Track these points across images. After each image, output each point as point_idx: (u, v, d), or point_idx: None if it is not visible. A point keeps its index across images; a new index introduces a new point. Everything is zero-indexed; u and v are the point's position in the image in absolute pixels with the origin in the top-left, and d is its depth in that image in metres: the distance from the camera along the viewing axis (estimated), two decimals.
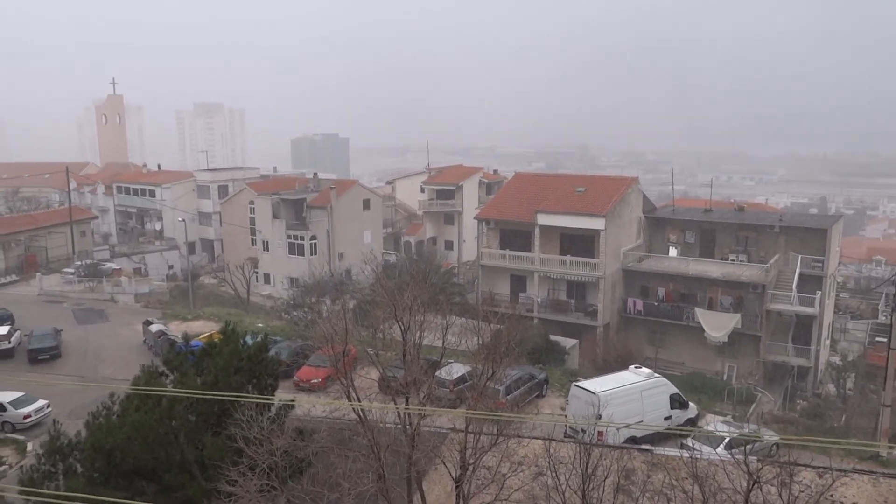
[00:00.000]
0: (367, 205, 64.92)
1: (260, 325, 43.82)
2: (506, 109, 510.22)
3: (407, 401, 21.61)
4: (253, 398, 19.18)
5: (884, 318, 54.46)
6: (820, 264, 45.67)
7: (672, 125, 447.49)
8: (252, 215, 64.49)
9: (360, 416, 20.07)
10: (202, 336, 35.61)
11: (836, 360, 48.85)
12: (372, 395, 22.82)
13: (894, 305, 31.97)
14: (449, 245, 76.99)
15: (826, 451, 24.92)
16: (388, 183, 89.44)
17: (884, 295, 59.17)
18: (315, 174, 74.16)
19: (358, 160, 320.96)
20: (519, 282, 50.33)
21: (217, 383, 20.44)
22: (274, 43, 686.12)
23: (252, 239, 64.58)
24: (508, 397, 29.12)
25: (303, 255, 59.85)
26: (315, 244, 60.18)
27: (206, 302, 55.38)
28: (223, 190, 73.04)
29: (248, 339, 23.72)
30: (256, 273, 62.29)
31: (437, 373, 27.93)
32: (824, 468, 20.93)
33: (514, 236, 50.58)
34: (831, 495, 17.63)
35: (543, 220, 48.49)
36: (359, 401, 20.61)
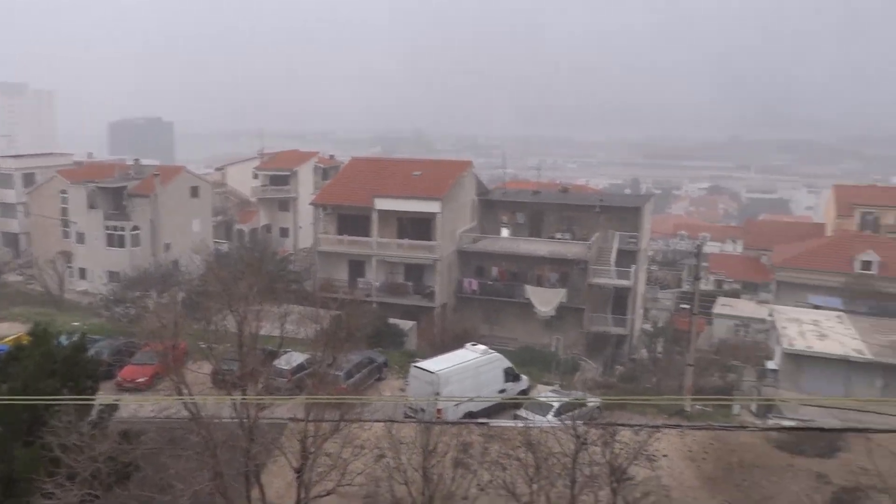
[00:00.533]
0: (195, 192, 61.68)
1: (76, 323, 40.44)
2: (343, 95, 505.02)
3: (243, 393, 20.91)
4: (68, 401, 17.63)
5: (687, 287, 60.27)
6: (634, 240, 49.46)
7: (504, 111, 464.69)
8: (64, 206, 59.16)
9: (191, 412, 19.14)
10: (8, 339, 32.26)
11: (648, 327, 53.34)
12: (205, 390, 21.84)
13: (696, 275, 35.45)
14: (284, 232, 75.15)
15: (641, 409, 27.19)
16: (219, 169, 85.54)
17: (687, 266, 65.45)
18: (136, 160, 69.21)
19: (185, 146, 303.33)
20: (357, 267, 50.19)
21: (27, 389, 18.61)
22: (87, 20, 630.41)
23: (64, 231, 59.28)
24: (349, 382, 29.09)
25: (123, 246, 55.81)
26: (138, 235, 56.32)
27: (12, 302, 50.14)
28: (29, 178, 66.31)
29: (63, 340, 21.82)
30: (70, 268, 57.31)
31: (274, 362, 27.31)
32: (640, 426, 22.78)
33: (352, 221, 50.28)
34: (646, 450, 19.23)
35: (381, 204, 48.60)
36: (191, 396, 19.63)
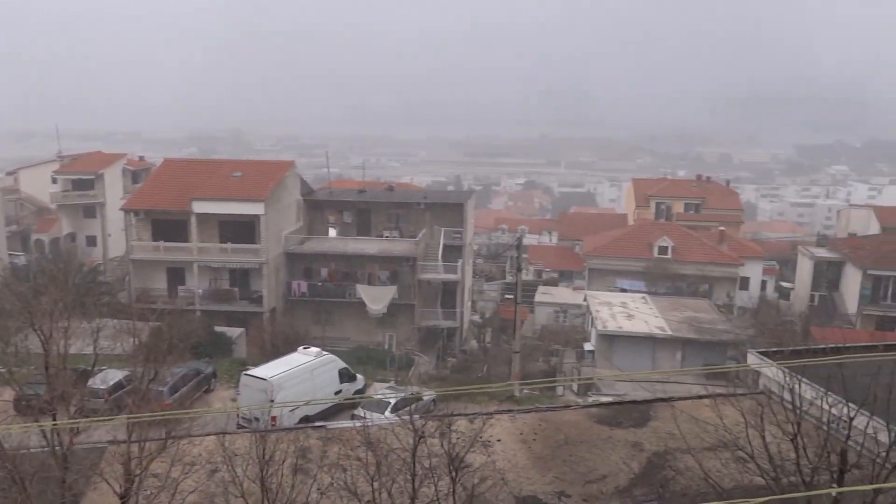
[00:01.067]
0: None
1: None
2: (151, 92, 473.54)
3: (54, 419, 19.07)
4: None
5: (510, 278, 63.17)
6: (459, 235, 51.00)
7: (326, 110, 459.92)
8: None
9: None
10: None
11: (477, 318, 55.31)
12: (7, 419, 19.66)
13: (518, 267, 37.28)
14: (91, 241, 69.25)
15: (474, 398, 28.16)
16: (10, 174, 77.12)
17: (509, 258, 68.61)
18: None
19: None
20: (177, 274, 47.41)
21: None
22: None
23: None
24: (174, 397, 27.47)
25: None
26: None
27: None
28: None
29: None
30: None
31: (88, 382, 25.17)
32: (474, 414, 23.61)
33: (169, 227, 47.39)
34: (481, 436, 19.95)
35: (200, 207, 46.21)
36: None
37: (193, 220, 46.17)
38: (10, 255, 57.42)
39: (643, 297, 48.53)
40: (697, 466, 17.74)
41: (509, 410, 25.57)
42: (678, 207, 73.46)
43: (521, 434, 23.10)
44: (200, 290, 46.36)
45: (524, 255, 61.89)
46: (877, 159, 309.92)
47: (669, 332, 40.72)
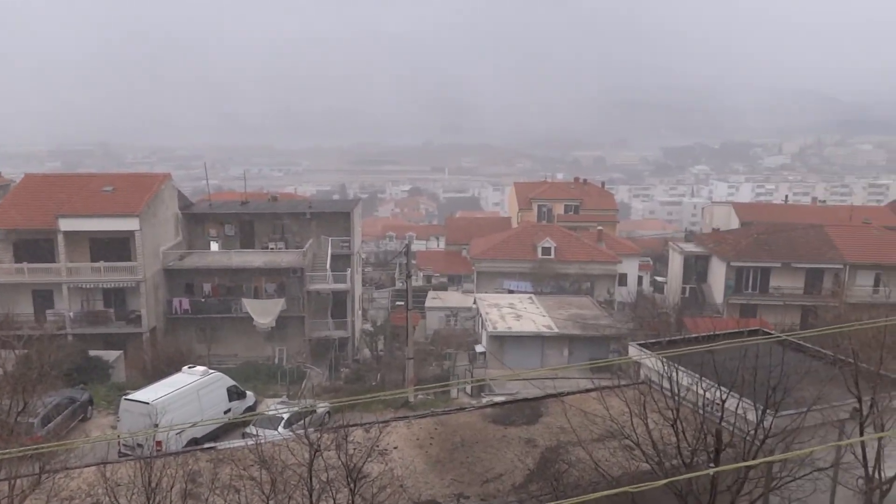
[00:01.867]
0: None
1: None
2: (12, 110, 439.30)
3: None
4: None
5: (400, 284, 63.32)
6: (347, 244, 50.60)
7: (201, 121, 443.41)
8: None
9: None
10: None
11: (368, 326, 55.00)
12: None
13: (407, 273, 37.42)
14: None
15: (369, 407, 27.95)
16: None
17: (398, 265, 68.73)
18: None
19: None
20: (44, 297, 44.30)
21: None
22: None
23: None
24: (46, 428, 25.61)
25: None
26: None
27: None
28: None
29: None
30: None
31: None
32: (370, 423, 23.41)
33: (33, 246, 44.21)
34: (378, 445, 19.82)
35: (67, 224, 43.37)
36: None
37: (60, 238, 43.30)
38: None
39: (530, 297, 49.98)
40: (588, 457, 18.42)
41: (405, 417, 25.52)
42: (558, 209, 76.22)
43: (417, 440, 23.13)
44: (72, 313, 43.51)
45: (413, 262, 62.25)
46: (732, 159, 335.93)
47: (556, 330, 42.14)
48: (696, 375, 17.94)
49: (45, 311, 43.85)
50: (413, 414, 26.65)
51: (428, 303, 56.96)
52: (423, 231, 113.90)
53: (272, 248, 50.18)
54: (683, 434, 16.83)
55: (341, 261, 49.22)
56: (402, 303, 43.22)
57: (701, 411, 17.39)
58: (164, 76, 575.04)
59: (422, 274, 69.64)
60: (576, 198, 78.01)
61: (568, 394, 24.72)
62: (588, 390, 23.07)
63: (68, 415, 28.58)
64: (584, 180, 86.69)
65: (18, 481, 16.95)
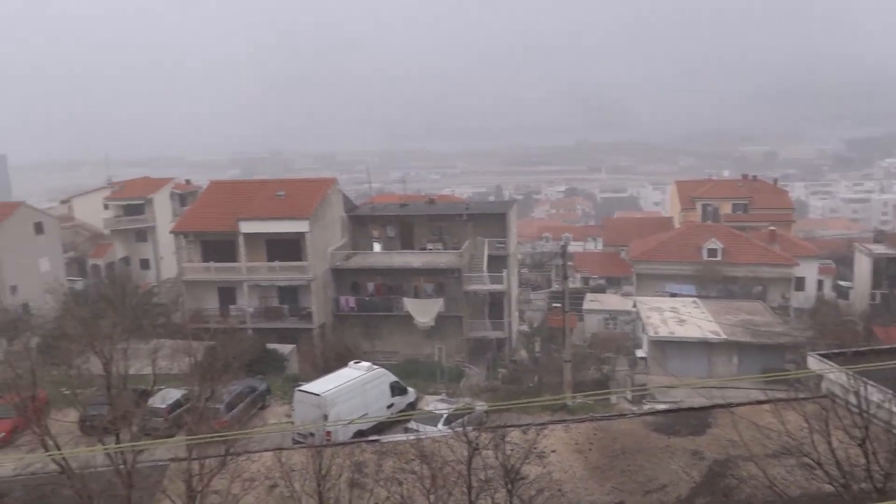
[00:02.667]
0: (39, 228, 56.98)
1: None
2: (190, 117, 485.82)
3: (118, 438, 19.58)
4: None
5: (557, 286, 62.70)
6: (503, 245, 50.83)
7: (360, 128, 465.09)
8: None
9: (61, 465, 17.68)
10: None
11: (525, 328, 54.94)
12: (73, 440, 20.25)
13: (564, 275, 36.99)
14: (145, 264, 71.08)
15: (527, 409, 27.94)
16: (64, 202, 79.73)
17: (554, 266, 68.12)
18: None
19: (21, 180, 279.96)
20: (228, 294, 48.30)
21: None
22: None
23: None
24: (231, 414, 27.93)
25: None
26: None
27: None
28: None
29: None
30: None
31: (149, 402, 25.80)
32: (527, 425, 23.42)
33: (218, 247, 48.37)
34: (536, 447, 19.78)
35: (246, 227, 47.08)
36: (58, 448, 18.13)
37: (241, 240, 47.03)
38: (69, 280, 59.21)
39: (694, 301, 47.65)
40: (761, 474, 17.27)
41: (563, 421, 25.29)
42: (725, 208, 72.08)
43: (576, 444, 22.84)
44: (251, 309, 47.12)
45: (569, 263, 61.39)
46: None
47: (724, 337, 39.85)
48: (890, 392, 16.25)
49: (228, 307, 47.77)
50: (571, 418, 26.32)
51: (585, 305, 55.98)
52: (580, 232, 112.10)
53: (430, 250, 51.46)
54: (874, 455, 15.32)
55: (498, 262, 49.52)
56: (559, 305, 42.71)
57: None
58: (326, 87, 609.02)
59: (579, 276, 68.56)
60: (744, 196, 73.36)
61: (738, 405, 23.32)
62: (761, 402, 21.64)
63: (249, 402, 30.98)
64: (754, 177, 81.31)
65: (207, 461, 18.65)
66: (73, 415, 22.05)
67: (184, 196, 73.78)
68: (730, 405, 23.13)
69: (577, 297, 56.15)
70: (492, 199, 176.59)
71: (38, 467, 19.62)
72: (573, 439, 23.24)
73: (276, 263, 47.04)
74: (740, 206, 72.29)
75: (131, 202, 70.59)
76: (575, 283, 64.80)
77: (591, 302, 56.98)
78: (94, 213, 72.98)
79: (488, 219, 52.15)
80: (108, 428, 19.64)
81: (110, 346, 20.09)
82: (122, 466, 18.43)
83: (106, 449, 18.52)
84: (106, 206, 72.08)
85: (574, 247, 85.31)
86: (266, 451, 23.20)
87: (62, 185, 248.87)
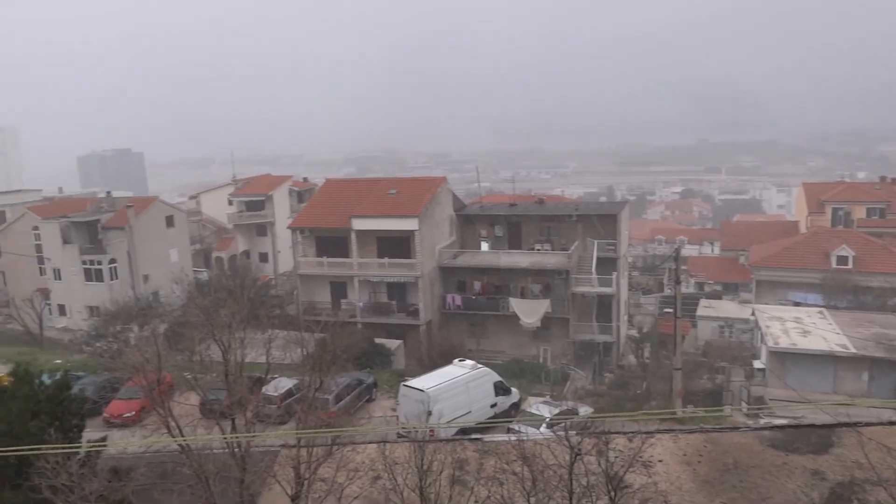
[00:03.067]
0: (170, 222, 61.07)
1: (58, 361, 39.66)
2: (309, 117, 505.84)
3: (233, 423, 20.66)
4: (52, 449, 17.13)
5: (669, 291, 60.64)
6: (613, 247, 49.69)
7: (473, 127, 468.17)
8: (38, 242, 58.20)
9: (182, 445, 18.85)
10: None
11: (634, 332, 53.47)
12: (193, 422, 21.52)
13: (676, 279, 35.69)
14: (263, 257, 74.60)
15: (633, 416, 27.18)
16: (192, 197, 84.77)
17: (667, 270, 65.86)
18: (108, 193, 68.44)
19: (155, 176, 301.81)
20: (339, 288, 49.90)
21: (12, 431, 18.21)
22: (53, 57, 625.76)
23: (40, 268, 58.29)
24: (339, 405, 28.82)
25: (102, 280, 54.99)
26: (115, 268, 55.53)
27: None
28: None
29: (46, 379, 21.40)
30: (49, 305, 56.30)
31: (263, 390, 27.03)
32: (633, 433, 22.79)
33: (331, 243, 50.05)
34: (641, 456, 19.24)
35: (359, 224, 48.47)
36: (180, 430, 19.34)
37: (353, 236, 48.46)
38: (195, 271, 63.08)
39: (820, 312, 44.73)
40: (892, 501, 16.01)
41: (671, 430, 24.45)
42: (859, 213, 67.26)
43: (684, 455, 22.01)
44: (361, 304, 48.46)
45: (683, 267, 59.23)
46: None
47: (854, 351, 37.16)
48: None
49: (339, 301, 49.38)
50: (680, 428, 25.41)
51: (699, 311, 53.90)
52: (696, 235, 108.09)
53: (538, 250, 51.10)
54: None
55: (607, 264, 48.52)
56: (671, 310, 41.31)
57: None
58: (442, 85, 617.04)
59: (693, 280, 66.06)
60: (881, 200, 68.14)
61: (867, 424, 21.71)
62: (893, 423, 20.05)
63: (356, 395, 31.89)
64: (893, 180, 75.40)
65: (315, 450, 19.35)
66: (194, 398, 23.43)
67: (301, 193, 76.76)
68: (857, 424, 21.56)
69: (691, 302, 54.16)
70: (603, 199, 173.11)
71: (161, 446, 21.02)
72: (681, 450, 22.41)
73: (386, 260, 48.14)
74: (876, 210, 67.26)
75: (253, 198, 74.16)
76: (689, 287, 62.52)
77: (705, 308, 54.82)
78: (219, 208, 77.41)
79: (598, 220, 51.15)
80: (226, 413, 20.75)
81: (229, 335, 21.19)
82: (237, 450, 19.43)
83: (223, 437, 19.58)
84: (230, 202, 76.21)
85: (689, 250, 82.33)
86: (371, 443, 23.81)
87: (192, 181, 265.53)
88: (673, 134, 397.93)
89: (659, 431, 24.53)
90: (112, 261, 55.41)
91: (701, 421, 27.95)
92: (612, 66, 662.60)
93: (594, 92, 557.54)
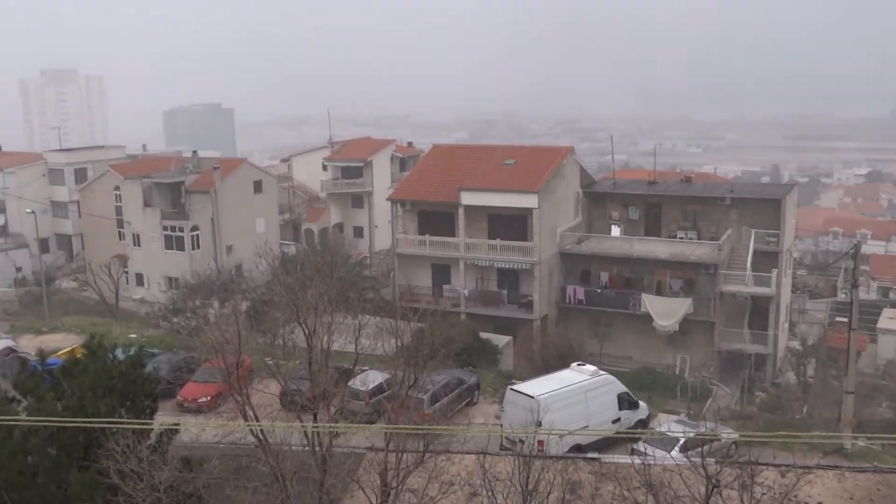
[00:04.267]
0: (258, 187, 63.70)
1: (133, 335, 42.41)
2: (422, 73, 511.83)
3: (315, 418, 21.36)
4: (127, 424, 18.46)
5: (843, 295, 57.61)
6: (775, 239, 47.77)
7: (612, 91, 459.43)
8: (118, 204, 62.11)
9: (259, 438, 19.70)
10: (62, 352, 34.15)
11: (796, 344, 51.38)
12: (273, 414, 22.42)
13: (854, 282, 33.76)
14: (358, 232, 76.46)
15: (788, 446, 26.13)
16: (284, 161, 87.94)
17: (842, 270, 62.51)
18: (194, 152, 72.12)
19: (246, 135, 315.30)
20: (442, 272, 50.55)
21: (83, 408, 19.62)
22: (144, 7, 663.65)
23: (119, 232, 62.30)
24: (434, 407, 29.22)
25: (183, 249, 58.20)
26: (197, 236, 58.62)
27: (65, 310, 53.18)
28: (81, 174, 70.02)
29: (119, 354, 22.89)
30: (126, 273, 60.14)
31: (349, 383, 27.78)
32: (787, 466, 21.95)
33: (435, 219, 50.71)
34: (795, 495, 18.52)
35: (468, 199, 48.76)
36: (257, 420, 20.21)
37: (461, 212, 48.85)
38: (282, 244, 65.58)
39: None
40: None
41: (836, 466, 23.36)
42: None
43: (851, 498, 21.03)
44: (466, 291, 48.90)
45: (864, 267, 56.12)
46: None
47: None
48: None
49: (441, 286, 50.05)
50: (848, 465, 24.25)
51: (881, 323, 51.52)
52: (883, 228, 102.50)
53: (681, 238, 49.87)
54: None
55: (766, 259, 46.82)
56: (845, 319, 39.33)
57: None
58: (570, 43, 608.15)
59: (875, 285, 62.73)
60: None
61: None
62: None
63: (455, 396, 32.23)
64: None
65: (405, 455, 19.73)
66: (274, 386, 24.40)
67: (404, 160, 78.04)
68: None
69: (872, 311, 51.76)
70: (766, 180, 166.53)
71: (237, 437, 22.06)
72: (847, 492, 21.42)
73: (498, 242, 48.23)
74: None
75: (350, 164, 75.98)
76: (869, 293, 59.47)
77: (889, 319, 52.35)
78: (312, 174, 79.86)
79: (758, 205, 49.32)
80: (307, 406, 21.49)
81: (315, 318, 21.86)
82: (318, 449, 20.11)
83: (303, 427, 20.31)
84: (324, 167, 78.44)
85: (872, 247, 77.95)
86: (469, 453, 24.03)
87: (285, 142, 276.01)
88: (860, 103, 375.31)
89: (820, 467, 23.59)
90: (195, 228, 58.46)
91: (875, 458, 26.57)
92: (779, 15, 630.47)
93: (761, 49, 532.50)
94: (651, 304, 46.11)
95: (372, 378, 30.61)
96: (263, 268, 50.82)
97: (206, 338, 22.97)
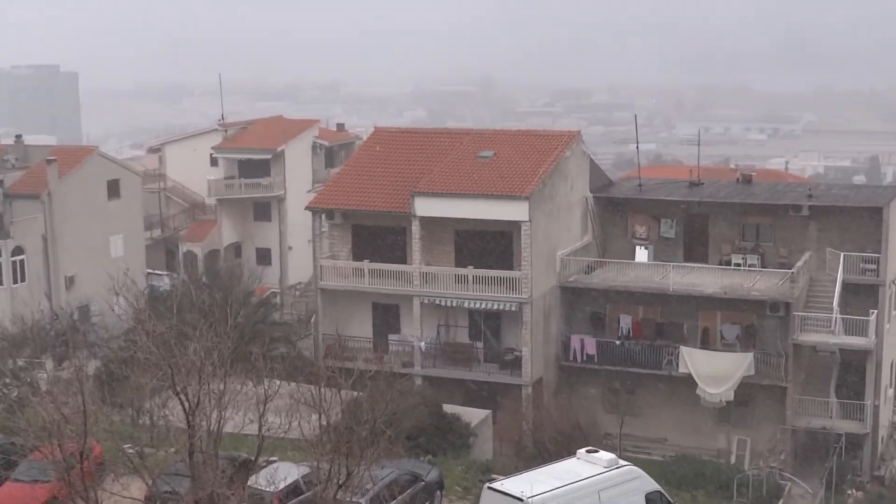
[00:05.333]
0: (114, 190, 63.17)
1: None
2: (364, 32, 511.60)
3: None
4: None
5: None
6: (874, 266, 48.26)
7: (639, 49, 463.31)
8: None
9: None
10: None
11: None
12: None
13: None
14: (264, 256, 76.12)
15: None
16: (153, 150, 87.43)
17: None
18: (18, 137, 71.24)
19: (97, 111, 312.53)
20: (388, 314, 50.50)
21: None
22: None
23: None
24: None
25: (0, 283, 57.37)
26: (22, 262, 57.78)
27: None
28: None
29: None
30: None
31: (250, 481, 27.54)
32: None
33: (378, 237, 50.72)
34: None
35: (425, 208, 48.74)
36: None
37: (415, 227, 48.76)
38: (150, 274, 64.97)
39: None
40: None
41: None
42: None
43: None
44: (423, 343, 48.76)
45: None
46: None
47: None
48: None
49: (387, 336, 49.89)
50: None
51: None
52: None
53: (737, 266, 50.17)
54: None
55: (862, 295, 47.49)
56: None
57: None
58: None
59: None
60: None
61: None
62: None
63: (407, 499, 32.06)
64: None
65: None
66: (137, 487, 24.07)
67: (332, 150, 78.04)
68: None
69: None
70: (860, 180, 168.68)
71: None
72: None
73: (470, 271, 48.20)
74: None
75: (251, 155, 75.57)
76: None
77: None
78: (195, 170, 78.92)
79: (848, 216, 49.98)
80: None
81: (199, 386, 21.67)
82: None
83: None
84: (213, 161, 77.74)
85: None
86: None
87: (155, 122, 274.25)
88: None
89: None
90: (17, 250, 57.58)
91: None
92: None
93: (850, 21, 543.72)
94: (694, 362, 46.29)
95: (283, 474, 30.28)
96: (121, 310, 50.23)
97: (33, 415, 22.64)
